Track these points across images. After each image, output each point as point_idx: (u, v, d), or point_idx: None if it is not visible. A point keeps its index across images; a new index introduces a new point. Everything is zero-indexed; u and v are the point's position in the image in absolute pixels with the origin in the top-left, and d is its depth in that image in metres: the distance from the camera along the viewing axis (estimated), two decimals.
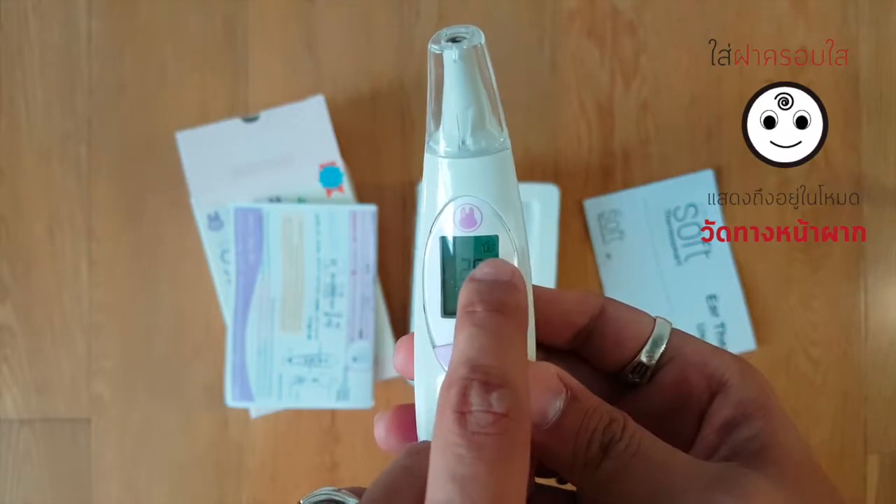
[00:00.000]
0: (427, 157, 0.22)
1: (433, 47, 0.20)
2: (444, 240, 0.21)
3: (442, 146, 0.21)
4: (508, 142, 0.21)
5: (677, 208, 0.61)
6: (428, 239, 0.21)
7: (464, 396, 0.17)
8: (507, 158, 0.21)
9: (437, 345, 0.21)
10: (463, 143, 0.21)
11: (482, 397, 0.17)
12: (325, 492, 0.20)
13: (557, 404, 0.20)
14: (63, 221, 0.61)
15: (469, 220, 0.21)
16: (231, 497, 0.60)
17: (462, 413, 0.17)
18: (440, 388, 0.18)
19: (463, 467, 0.16)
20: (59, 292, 0.61)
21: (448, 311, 0.21)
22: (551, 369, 0.20)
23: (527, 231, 0.22)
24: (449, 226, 0.21)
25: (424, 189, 0.22)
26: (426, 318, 0.21)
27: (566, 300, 0.23)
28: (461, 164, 0.21)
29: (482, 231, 0.21)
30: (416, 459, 0.19)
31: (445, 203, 0.21)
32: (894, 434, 0.62)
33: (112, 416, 0.60)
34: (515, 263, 0.21)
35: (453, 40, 0.20)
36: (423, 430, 0.21)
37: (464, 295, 0.19)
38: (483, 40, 0.20)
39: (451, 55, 0.20)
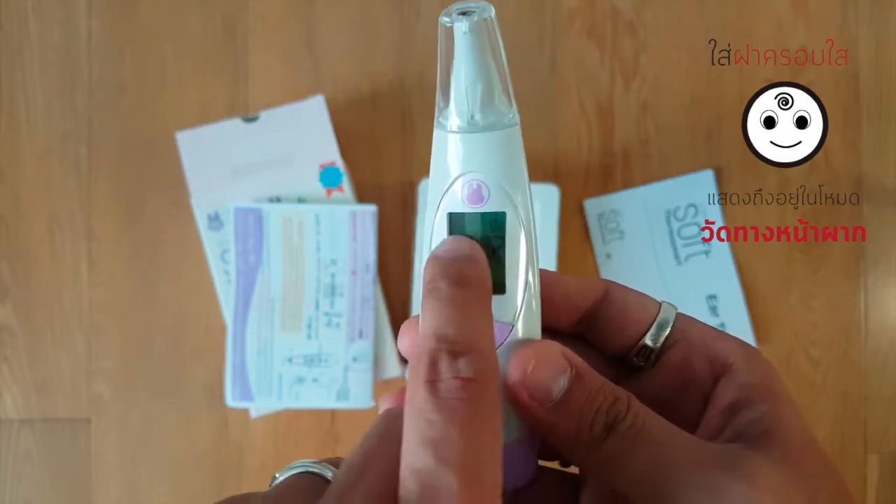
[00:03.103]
0: (436, 132, 0.21)
1: (444, 20, 0.20)
2: (451, 216, 0.21)
3: (450, 121, 0.21)
4: (518, 118, 0.21)
5: (677, 208, 0.61)
6: (435, 215, 0.21)
7: (433, 366, 0.18)
8: (516, 134, 0.21)
9: None
10: (472, 117, 0.21)
11: (450, 365, 0.17)
12: (301, 464, 0.20)
13: (562, 382, 0.20)
14: (63, 221, 0.61)
15: (476, 196, 0.21)
16: None
17: (432, 382, 0.17)
18: (409, 363, 0.18)
19: (435, 432, 0.17)
20: (59, 292, 0.61)
21: None
22: (556, 347, 0.20)
23: (534, 210, 0.22)
24: (456, 202, 0.21)
25: (432, 164, 0.22)
26: None
27: (570, 284, 0.23)
28: (469, 140, 0.21)
29: (489, 207, 0.21)
30: (389, 426, 0.19)
31: (453, 179, 0.21)
32: (894, 434, 0.62)
33: (112, 416, 0.60)
34: (522, 240, 0.21)
35: (464, 14, 0.20)
36: None
37: (426, 272, 0.20)
38: (493, 14, 0.20)
39: (461, 28, 0.20)
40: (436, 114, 0.21)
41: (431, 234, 0.21)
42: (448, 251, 0.20)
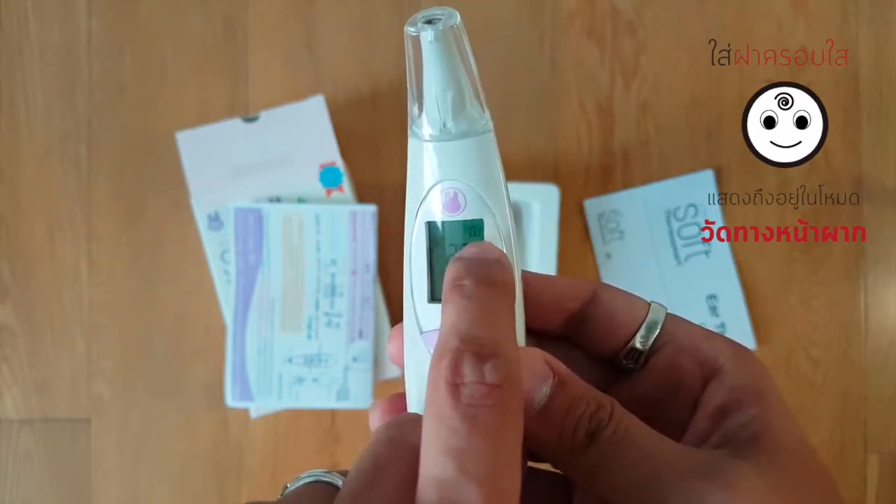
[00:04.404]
0: (410, 141, 0.21)
1: (409, 30, 0.20)
2: (429, 225, 0.21)
3: (424, 130, 0.21)
4: (491, 123, 0.21)
5: (677, 208, 0.61)
6: (414, 224, 0.21)
7: (456, 368, 0.17)
8: (490, 140, 0.21)
9: (424, 330, 0.21)
10: (444, 126, 0.21)
11: (475, 368, 0.17)
12: (312, 473, 0.20)
13: (544, 390, 0.19)
14: (63, 221, 0.61)
15: (453, 204, 0.21)
16: (231, 497, 0.60)
17: (455, 385, 0.17)
18: (431, 361, 0.18)
19: (457, 440, 0.16)
20: (59, 292, 0.61)
21: (435, 296, 0.21)
22: (538, 354, 0.20)
23: (513, 216, 0.21)
24: (433, 210, 0.21)
25: (409, 174, 0.22)
26: (413, 304, 0.21)
27: (558, 285, 0.23)
28: (443, 148, 0.21)
29: (467, 215, 0.21)
30: (399, 431, 0.19)
31: (429, 188, 0.21)
32: (894, 434, 0.62)
33: (112, 416, 0.60)
34: (502, 247, 0.21)
35: (429, 22, 0.20)
36: None
37: (451, 271, 0.19)
38: (459, 21, 0.20)
39: (427, 37, 0.20)
40: (409, 123, 0.21)
41: (411, 244, 0.21)
42: (475, 254, 0.19)
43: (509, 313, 0.19)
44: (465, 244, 0.21)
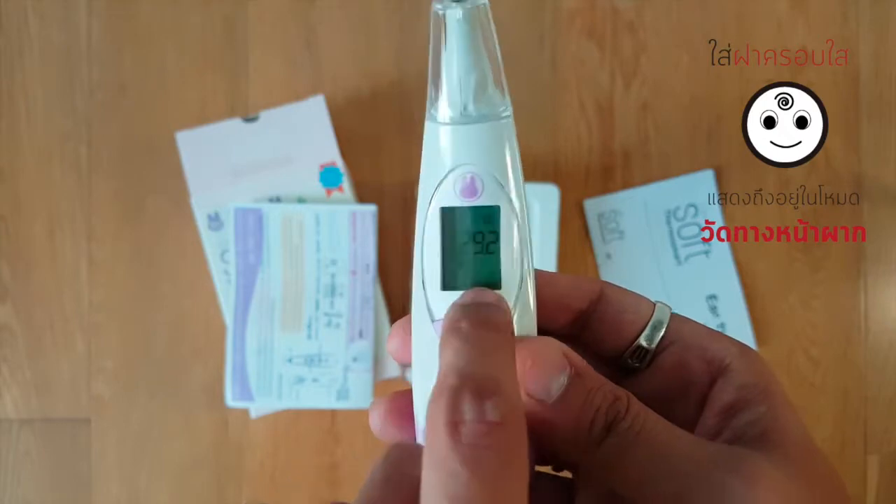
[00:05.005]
0: (427, 125, 0.21)
1: (437, 7, 0.20)
2: (444, 210, 0.21)
3: (442, 112, 0.20)
4: (511, 109, 0.21)
5: (677, 208, 0.61)
6: (427, 210, 0.21)
7: (455, 406, 0.16)
8: (510, 126, 0.21)
9: (436, 318, 0.21)
10: (465, 109, 0.20)
11: (475, 406, 0.16)
12: None
13: (561, 380, 0.19)
14: (63, 221, 0.61)
15: (470, 189, 0.20)
16: (231, 497, 0.60)
17: (454, 424, 0.16)
18: (428, 399, 0.17)
19: (458, 487, 0.15)
20: (59, 292, 0.61)
21: (448, 284, 0.20)
22: (555, 344, 0.20)
23: (527, 206, 0.21)
24: (449, 196, 0.20)
25: (424, 158, 0.21)
26: (425, 291, 0.21)
27: (563, 284, 0.23)
28: (462, 131, 0.20)
29: (483, 201, 0.20)
30: (398, 469, 0.18)
31: (446, 172, 0.21)
32: (894, 434, 0.62)
33: (112, 416, 0.60)
34: (517, 235, 0.20)
35: (457, 1, 0.20)
36: (422, 414, 0.21)
37: (448, 316, 0.19)
38: (487, 1, 0.20)
39: (454, 15, 0.19)
40: (427, 106, 0.21)
41: (423, 229, 0.21)
42: (472, 298, 0.19)
43: (508, 353, 0.19)
44: (479, 231, 0.20)
